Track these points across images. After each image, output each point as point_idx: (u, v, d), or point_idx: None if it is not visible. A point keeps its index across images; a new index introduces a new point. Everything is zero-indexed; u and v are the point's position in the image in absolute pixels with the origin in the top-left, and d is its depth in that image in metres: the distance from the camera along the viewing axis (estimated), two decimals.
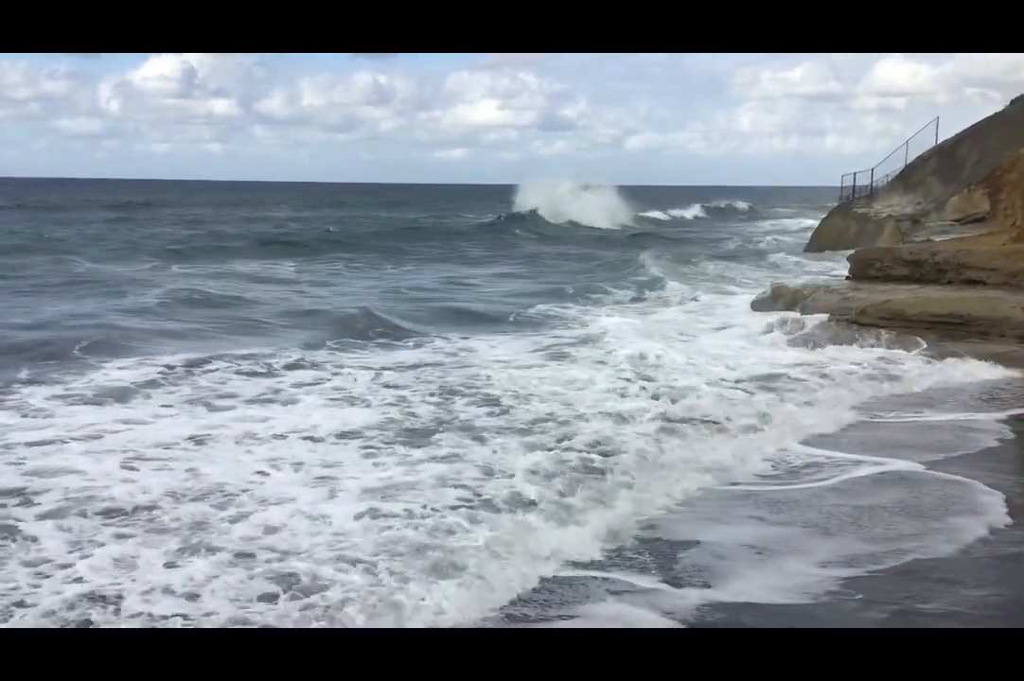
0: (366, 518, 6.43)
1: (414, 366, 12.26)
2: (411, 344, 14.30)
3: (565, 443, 8.35)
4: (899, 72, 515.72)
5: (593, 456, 7.95)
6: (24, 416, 9.34)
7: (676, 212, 66.07)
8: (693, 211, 67.05)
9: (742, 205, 73.72)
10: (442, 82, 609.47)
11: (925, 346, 13.40)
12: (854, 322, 14.61)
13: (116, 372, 11.45)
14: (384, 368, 12.05)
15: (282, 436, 8.65)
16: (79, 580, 5.44)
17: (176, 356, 12.42)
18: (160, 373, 11.39)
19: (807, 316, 15.38)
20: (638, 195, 62.46)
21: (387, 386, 10.90)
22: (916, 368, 12.35)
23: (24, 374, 11.16)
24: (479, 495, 6.94)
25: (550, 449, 8.12)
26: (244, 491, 7.04)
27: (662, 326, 16.10)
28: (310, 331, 15.23)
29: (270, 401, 10.21)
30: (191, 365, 11.90)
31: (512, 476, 7.35)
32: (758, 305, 17.84)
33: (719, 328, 16.15)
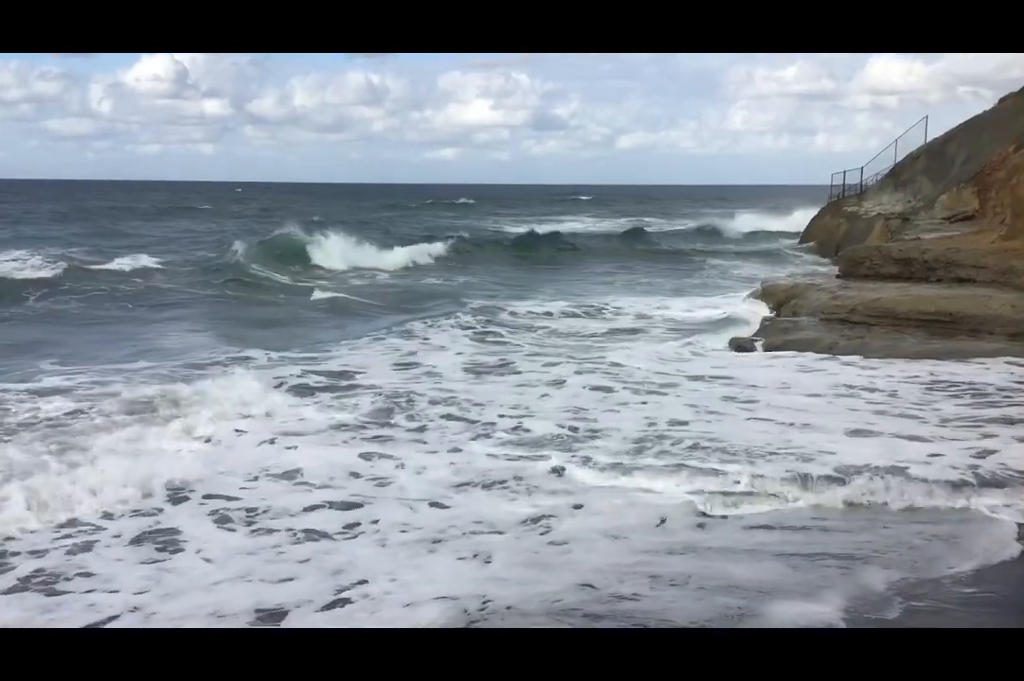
0: None
1: None
2: None
3: None
4: (892, 70, 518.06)
5: None
6: None
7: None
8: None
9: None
10: (435, 82, 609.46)
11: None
12: (844, 321, 14.66)
13: None
14: None
15: None
16: None
17: None
18: None
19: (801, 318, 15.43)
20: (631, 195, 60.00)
21: None
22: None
23: None
24: None
25: None
26: None
27: None
28: None
29: None
30: None
31: None
32: (746, 303, 17.89)
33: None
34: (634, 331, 16.37)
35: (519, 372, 12.39)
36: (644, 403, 10.38)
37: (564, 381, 11.57)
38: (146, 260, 25.88)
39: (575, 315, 18.18)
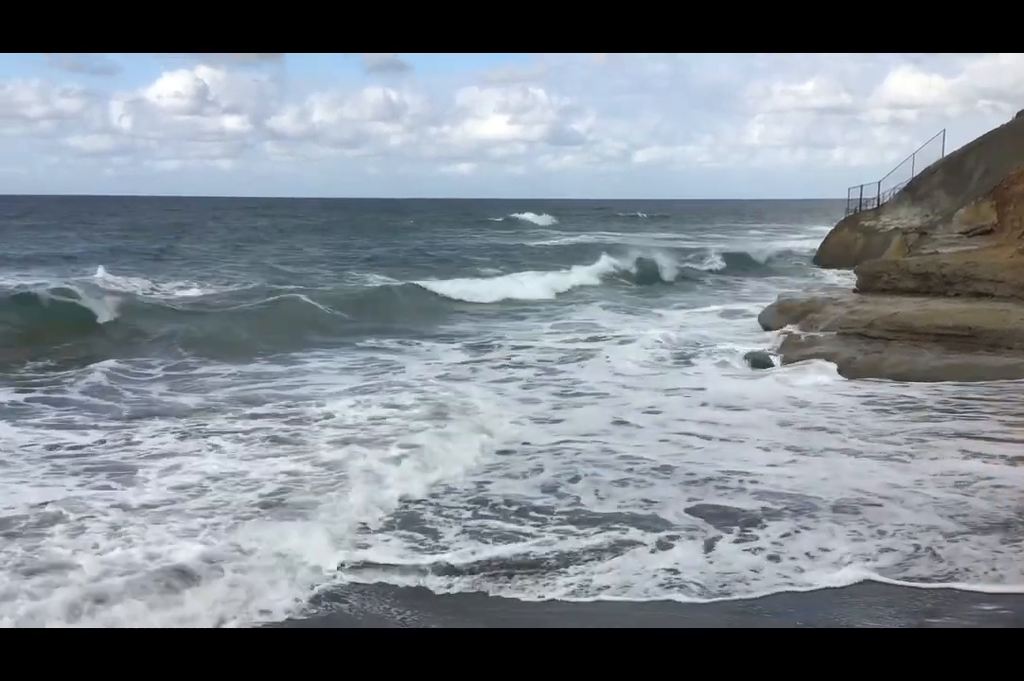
0: None
1: None
2: None
3: None
4: (910, 84, 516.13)
5: None
6: None
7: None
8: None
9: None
10: (452, 97, 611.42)
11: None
12: (862, 335, 14.60)
13: None
14: None
15: None
16: None
17: None
18: None
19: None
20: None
21: None
22: None
23: None
24: None
25: None
26: None
27: None
28: None
29: None
30: None
31: None
32: (764, 318, 17.83)
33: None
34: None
35: None
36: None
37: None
38: None
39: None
